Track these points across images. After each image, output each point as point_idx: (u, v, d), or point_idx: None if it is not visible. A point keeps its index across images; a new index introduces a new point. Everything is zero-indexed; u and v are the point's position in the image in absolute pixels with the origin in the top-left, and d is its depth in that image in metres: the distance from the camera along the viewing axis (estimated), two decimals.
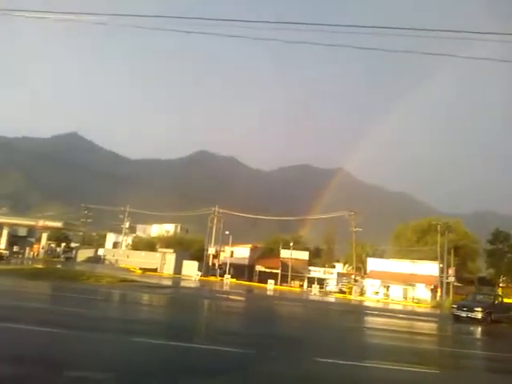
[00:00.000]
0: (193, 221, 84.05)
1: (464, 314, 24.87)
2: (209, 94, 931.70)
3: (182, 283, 45.15)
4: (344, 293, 59.42)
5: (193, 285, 43.99)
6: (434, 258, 56.07)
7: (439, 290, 53.21)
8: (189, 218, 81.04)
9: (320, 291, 59.09)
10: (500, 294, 46.18)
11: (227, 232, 68.10)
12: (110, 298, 21.98)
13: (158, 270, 63.15)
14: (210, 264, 66.42)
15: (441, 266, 54.04)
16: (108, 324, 12.77)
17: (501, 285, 64.91)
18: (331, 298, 49.18)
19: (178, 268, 63.16)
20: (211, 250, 66.33)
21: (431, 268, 56.04)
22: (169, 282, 42.28)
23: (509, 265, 59.81)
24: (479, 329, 23.22)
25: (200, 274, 58.43)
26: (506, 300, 55.20)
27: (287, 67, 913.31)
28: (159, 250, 69.25)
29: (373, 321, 24.97)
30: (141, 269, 58.55)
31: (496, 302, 27.11)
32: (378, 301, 53.01)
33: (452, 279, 53.37)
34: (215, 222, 66.68)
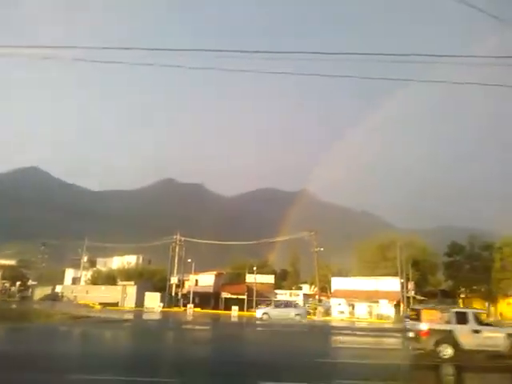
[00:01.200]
0: (156, 251, 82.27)
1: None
2: (174, 120, 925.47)
3: (141, 316, 43.84)
4: (309, 314, 59.21)
5: (151, 317, 42.75)
6: (395, 274, 56.96)
7: (402, 304, 53.91)
8: (152, 249, 79.31)
9: None
10: (451, 305, 47.18)
11: (189, 260, 67.09)
12: (54, 335, 21.04)
13: (119, 304, 61.25)
14: (174, 294, 64.91)
15: (402, 281, 54.93)
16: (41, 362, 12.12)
17: (461, 296, 66.54)
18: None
19: (139, 300, 61.46)
20: (174, 280, 64.91)
21: (393, 284, 56.81)
22: (126, 316, 40.91)
23: (466, 276, 61.43)
24: None
25: (162, 305, 57.03)
26: None
27: (251, 94, 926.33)
28: (120, 283, 67.25)
29: (325, 339, 24.94)
30: (100, 304, 56.53)
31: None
32: (342, 320, 53.10)
33: (412, 293, 54.30)
34: (177, 250, 65.57)
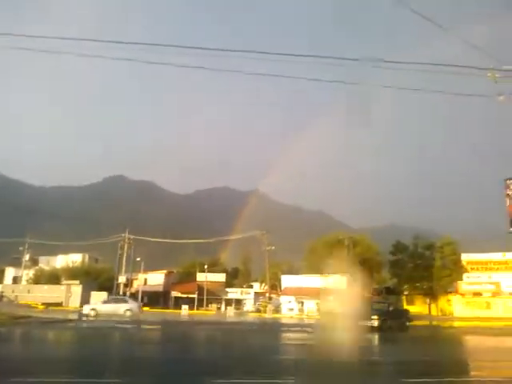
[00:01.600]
0: (104, 249, 79.82)
1: (361, 323, 25.91)
2: (127, 115, 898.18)
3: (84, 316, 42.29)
4: (260, 311, 59.66)
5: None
6: (343, 271, 58.37)
7: None
8: (99, 247, 76.83)
9: (236, 312, 58.78)
10: (393, 301, 49.11)
11: (138, 258, 65.63)
12: None
13: (64, 304, 58.91)
14: (121, 293, 63.16)
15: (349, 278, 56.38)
16: None
17: (405, 293, 69.29)
18: (246, 318, 49.02)
19: (85, 300, 59.08)
20: (122, 279, 63.19)
21: (340, 281, 58.15)
22: (70, 316, 39.30)
23: (409, 274, 63.96)
24: (376, 336, 24.31)
25: None
26: (408, 307, 59.35)
27: (204, 92, 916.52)
28: (64, 282, 64.67)
29: (268, 337, 25.13)
30: (43, 304, 54.14)
31: (390, 309, 28.67)
32: (291, 317, 53.83)
33: None
34: (126, 248, 63.86)
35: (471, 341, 26.15)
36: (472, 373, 13.56)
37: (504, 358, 17.58)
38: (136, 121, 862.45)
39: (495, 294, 57.80)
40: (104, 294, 60.25)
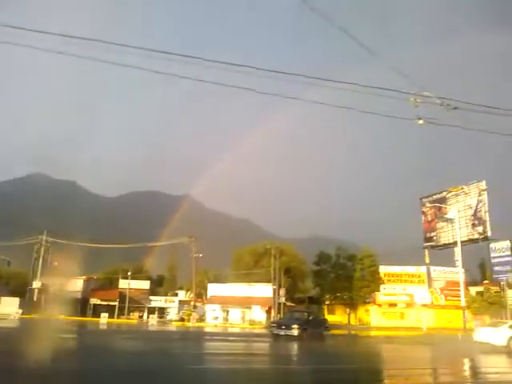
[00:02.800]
0: (18, 252, 74.19)
1: (282, 332, 26.30)
2: (49, 107, 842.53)
3: None
4: (184, 320, 58.59)
5: (6, 324, 38.28)
6: (269, 280, 59.22)
7: (273, 310, 56.14)
8: (12, 249, 71.33)
9: (159, 321, 57.29)
10: (315, 311, 50.71)
11: (56, 263, 61.68)
12: None
13: None
14: (35, 300, 59.03)
15: (274, 287, 57.28)
16: None
17: (326, 302, 71.62)
18: (168, 327, 47.92)
19: None
20: (37, 284, 59.09)
21: (266, 290, 58.88)
22: None
23: (331, 283, 66.21)
24: (295, 345, 24.75)
25: (21, 311, 51.45)
26: (329, 316, 61.34)
27: (137, 92, 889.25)
28: None
29: (197, 346, 24.74)
30: None
31: (310, 318, 29.39)
32: (215, 325, 53.44)
33: (283, 299, 56.99)
34: (42, 252, 59.90)
35: (386, 349, 27.46)
36: (386, 381, 14.17)
37: (415, 366, 18.62)
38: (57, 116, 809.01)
39: (409, 305, 61.55)
40: (16, 300, 56.13)
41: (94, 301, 65.32)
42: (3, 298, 56.49)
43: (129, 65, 14.15)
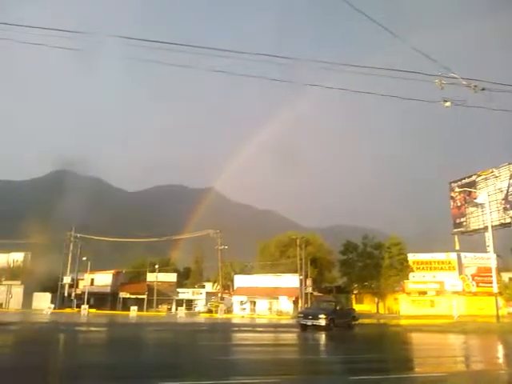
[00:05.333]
0: (48, 248, 76.11)
1: (309, 323, 26.08)
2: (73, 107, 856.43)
3: (28, 318, 40.21)
4: (211, 312, 59.15)
5: (39, 319, 39.37)
6: (295, 271, 59.12)
7: (300, 300, 56.05)
8: (43, 245, 73.19)
9: (187, 313, 57.95)
10: (342, 300, 50.19)
11: (84, 258, 63.11)
12: None
13: (3, 306, 55.95)
14: (66, 294, 60.67)
15: (300, 277, 57.13)
16: None
17: (354, 292, 71.05)
18: (196, 319, 48.42)
19: (27, 301, 56.61)
20: (67, 279, 60.64)
21: (293, 280, 58.85)
22: (9, 318, 37.14)
23: (359, 273, 65.62)
24: (323, 335, 24.57)
25: (53, 306, 52.97)
26: (357, 305, 60.88)
27: (156, 86, 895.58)
28: (4, 282, 61.23)
29: (225, 337, 24.85)
30: None
31: (337, 307, 29.10)
32: (243, 317, 53.72)
33: (310, 289, 56.78)
34: (71, 247, 61.31)
35: (416, 338, 27.00)
36: (416, 369, 13.88)
37: (445, 354, 18.24)
38: (83, 114, 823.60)
39: (439, 293, 60.38)
40: (48, 295, 57.81)
41: (123, 294, 66.65)
42: (36, 294, 58.36)
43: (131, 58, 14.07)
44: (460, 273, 61.54)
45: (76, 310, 55.07)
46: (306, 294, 56.62)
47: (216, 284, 73.02)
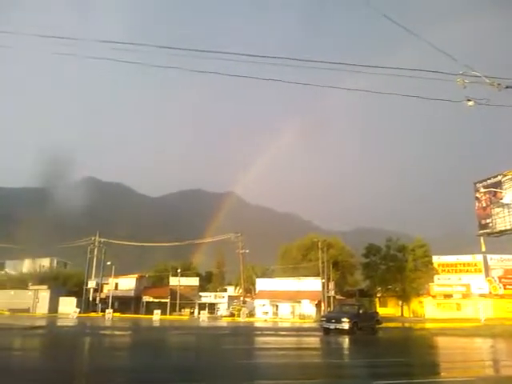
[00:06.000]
0: (73, 253, 77.71)
1: (332, 326, 25.90)
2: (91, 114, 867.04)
3: (55, 322, 41.06)
4: (234, 315, 59.23)
5: (66, 323, 40.17)
6: (317, 274, 58.76)
7: (322, 304, 55.64)
8: (68, 251, 74.77)
9: (210, 316, 58.18)
10: (365, 304, 49.53)
11: (109, 262, 64.06)
12: None
13: (31, 310, 57.19)
14: (91, 299, 61.71)
15: (323, 281, 56.73)
16: None
17: (378, 295, 70.18)
18: (219, 323, 48.57)
19: (53, 306, 57.81)
20: (92, 284, 61.69)
21: (315, 284, 58.46)
22: (38, 322, 38.00)
23: (382, 276, 64.78)
24: (346, 339, 24.34)
25: (78, 310, 53.90)
26: (381, 309, 60.12)
27: (173, 91, 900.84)
28: (31, 287, 62.69)
29: (248, 341, 24.87)
30: (9, 310, 52.52)
31: (361, 311, 28.81)
32: (265, 320, 53.60)
33: (332, 293, 56.30)
34: (96, 252, 62.36)
35: (441, 342, 26.50)
36: (442, 373, 13.64)
37: (472, 359, 17.90)
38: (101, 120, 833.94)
39: (465, 296, 59.14)
40: (73, 300, 58.95)
41: (146, 298, 67.40)
42: (62, 298, 59.53)
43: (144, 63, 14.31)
44: (486, 275, 60.15)
45: (101, 314, 55.89)
46: (329, 297, 56.14)
47: (238, 288, 73.12)
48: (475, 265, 61.53)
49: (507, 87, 13.64)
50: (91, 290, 61.80)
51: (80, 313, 53.47)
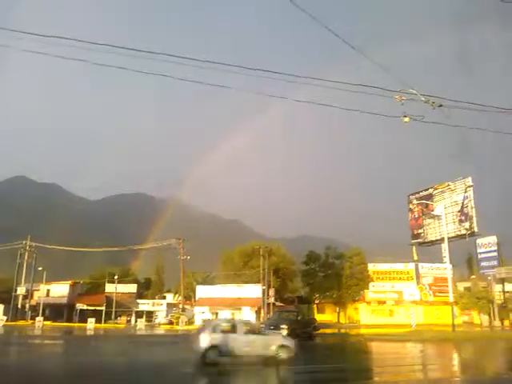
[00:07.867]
0: (1, 257, 72.76)
1: None
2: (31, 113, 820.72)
3: None
4: (172, 323, 58.01)
5: None
6: (258, 281, 58.96)
7: (262, 310, 55.87)
8: None
9: (147, 325, 56.60)
10: (304, 310, 50.46)
11: (40, 268, 60.56)
12: None
13: None
14: (20, 306, 57.99)
15: (263, 287, 57.02)
16: None
17: (316, 301, 71.50)
18: (156, 331, 47.40)
19: None
20: (21, 290, 58.00)
21: (255, 290, 58.61)
22: None
23: (320, 283, 66.05)
24: None
25: (5, 318, 50.40)
26: (319, 315, 61.32)
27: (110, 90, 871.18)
28: None
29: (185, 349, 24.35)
30: None
31: (299, 318, 29.27)
32: None
33: (272, 300, 56.75)
34: (26, 257, 58.73)
35: (375, 347, 27.44)
36: (376, 378, 14.09)
37: (403, 363, 18.66)
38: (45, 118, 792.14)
39: (398, 302, 61.75)
40: (0, 307, 55.15)
41: (80, 306, 64.38)
42: None
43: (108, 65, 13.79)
44: (418, 283, 63.22)
45: (30, 322, 52.69)
46: (269, 304, 56.53)
47: (177, 295, 71.82)
48: (407, 273, 64.49)
49: (440, 106, 14.42)
50: (20, 297, 58.14)
51: (7, 321, 50.09)
